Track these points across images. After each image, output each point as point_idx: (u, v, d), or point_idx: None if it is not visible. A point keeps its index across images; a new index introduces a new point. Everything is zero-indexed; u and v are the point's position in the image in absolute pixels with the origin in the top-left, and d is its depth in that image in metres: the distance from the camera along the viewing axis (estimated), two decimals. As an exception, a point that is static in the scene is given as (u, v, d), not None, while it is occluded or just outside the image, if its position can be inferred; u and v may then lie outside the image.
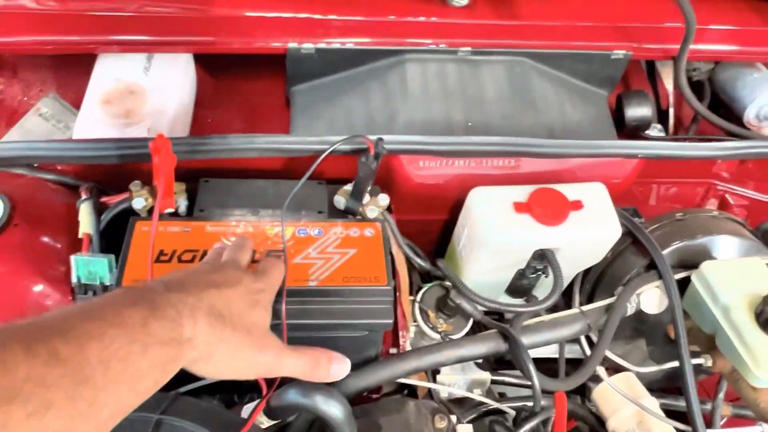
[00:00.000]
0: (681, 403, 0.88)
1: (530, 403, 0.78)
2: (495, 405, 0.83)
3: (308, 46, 0.88)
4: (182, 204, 0.77)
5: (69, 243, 0.75)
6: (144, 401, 0.57)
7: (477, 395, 0.83)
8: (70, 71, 1.03)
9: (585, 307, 0.81)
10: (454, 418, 0.76)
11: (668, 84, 1.04)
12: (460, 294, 0.79)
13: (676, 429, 0.78)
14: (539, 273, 0.84)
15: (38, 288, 0.71)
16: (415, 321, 0.84)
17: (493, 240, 0.77)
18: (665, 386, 0.95)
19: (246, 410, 0.68)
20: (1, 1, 0.83)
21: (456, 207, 0.86)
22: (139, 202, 0.75)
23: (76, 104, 0.89)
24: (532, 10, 0.93)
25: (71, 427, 0.40)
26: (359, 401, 0.78)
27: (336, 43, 0.88)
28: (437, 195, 0.87)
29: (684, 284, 0.81)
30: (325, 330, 0.71)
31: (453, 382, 0.85)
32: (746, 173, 1.03)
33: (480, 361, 0.92)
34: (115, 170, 0.78)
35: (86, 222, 0.74)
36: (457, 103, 0.89)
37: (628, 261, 0.85)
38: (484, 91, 0.90)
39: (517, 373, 0.87)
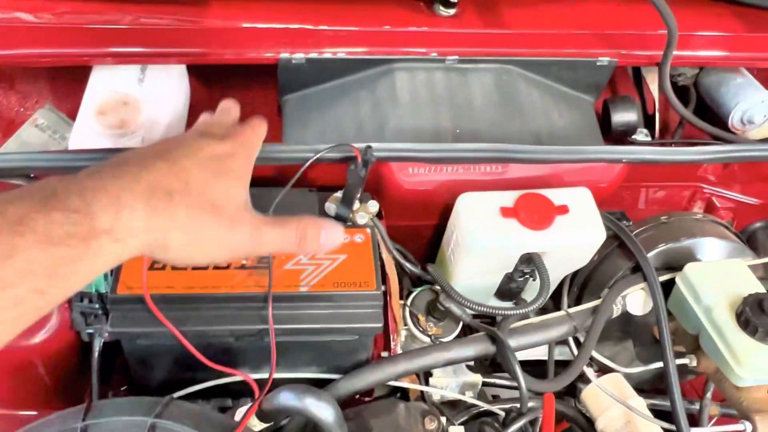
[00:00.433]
0: (668, 403, 0.89)
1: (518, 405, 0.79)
2: (486, 407, 0.85)
3: (299, 56, 0.89)
4: (176, 212, 0.78)
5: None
6: (132, 411, 0.58)
7: (468, 397, 0.84)
8: (67, 82, 1.05)
9: (571, 310, 0.83)
10: (444, 419, 0.77)
11: (654, 89, 1.06)
12: (449, 298, 0.80)
13: (663, 429, 0.80)
14: (527, 276, 0.86)
15: (35, 296, 0.72)
16: (405, 325, 0.85)
17: (481, 244, 0.78)
18: (654, 387, 0.96)
19: (239, 413, 0.70)
20: (-3, 15, 0.85)
21: (445, 212, 0.87)
22: (133, 211, 0.76)
23: (73, 115, 0.91)
24: (519, 18, 0.95)
25: None
26: (351, 404, 0.80)
27: (326, 53, 0.90)
28: (427, 201, 0.89)
29: (669, 286, 0.83)
30: (315, 335, 0.73)
31: (445, 385, 0.86)
32: (732, 176, 1.05)
33: (472, 364, 0.93)
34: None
35: (82, 231, 0.75)
36: (446, 110, 0.91)
37: (614, 264, 0.87)
38: (471, 99, 0.92)
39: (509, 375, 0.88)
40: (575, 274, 0.92)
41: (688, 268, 0.79)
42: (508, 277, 0.86)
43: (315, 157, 0.76)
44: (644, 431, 0.80)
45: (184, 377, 0.76)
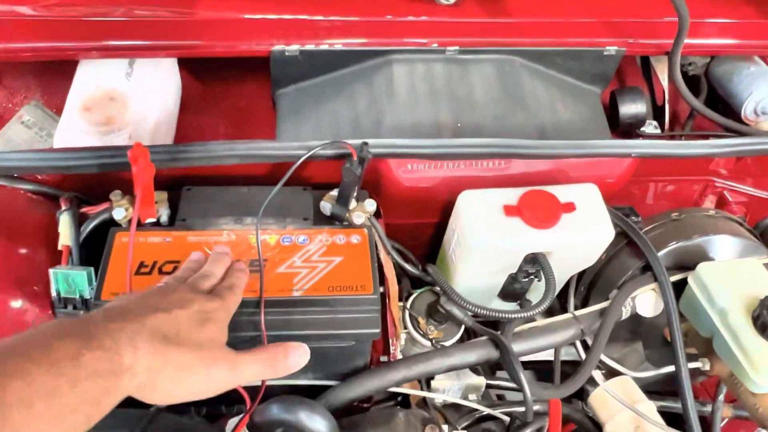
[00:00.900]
0: (680, 405, 0.86)
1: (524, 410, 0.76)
2: (488, 411, 0.82)
3: (293, 48, 0.86)
4: (164, 213, 0.75)
5: (48, 255, 0.73)
6: (117, 425, 0.57)
7: (472, 402, 0.81)
8: (55, 77, 1.02)
9: (578, 312, 0.80)
10: (446, 428, 0.74)
11: (663, 80, 1.02)
12: (450, 300, 0.77)
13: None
14: (532, 277, 0.83)
15: (16, 303, 0.69)
16: (405, 328, 0.82)
17: (483, 244, 0.75)
18: (664, 389, 0.93)
19: (230, 425, 0.67)
20: (-21, 9, 0.82)
21: (446, 210, 0.84)
22: (119, 212, 0.73)
23: (61, 111, 0.87)
24: (522, 6, 0.91)
25: None
26: (349, 410, 0.77)
27: (321, 44, 0.87)
28: (427, 198, 0.85)
29: (681, 286, 0.79)
30: (310, 341, 0.69)
31: (447, 388, 0.83)
32: (744, 169, 1.01)
33: (475, 364, 0.90)
34: (96, 179, 0.76)
35: (66, 234, 0.73)
36: (446, 104, 0.87)
37: (623, 263, 0.84)
38: (473, 92, 0.88)
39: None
40: (582, 274, 0.89)
41: (701, 267, 0.76)
42: (512, 278, 0.83)
43: (307, 155, 0.73)
44: (653, 433, 0.77)
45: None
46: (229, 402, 0.78)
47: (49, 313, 0.70)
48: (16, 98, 1.05)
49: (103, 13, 0.84)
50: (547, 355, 0.92)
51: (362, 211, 0.77)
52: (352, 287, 0.70)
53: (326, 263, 0.72)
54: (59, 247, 0.72)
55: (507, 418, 0.81)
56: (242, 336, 0.68)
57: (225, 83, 1.02)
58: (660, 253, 0.80)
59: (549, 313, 0.83)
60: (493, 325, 0.82)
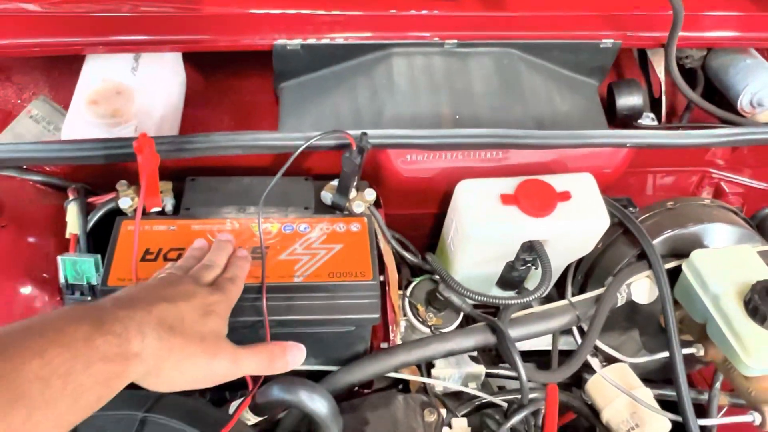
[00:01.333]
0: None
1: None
2: (488, 398, 0.83)
3: (295, 42, 0.88)
4: (169, 203, 0.77)
5: (57, 243, 0.75)
6: (123, 405, 0.60)
7: (471, 389, 0.82)
8: (62, 73, 1.04)
9: (574, 299, 0.81)
10: (444, 411, 0.76)
11: (660, 72, 1.03)
12: (448, 287, 0.79)
13: (670, 420, 0.78)
14: (529, 265, 0.84)
15: (26, 289, 0.71)
16: (405, 315, 0.84)
17: (480, 232, 0.76)
18: (661, 376, 0.94)
19: (233, 407, 0.68)
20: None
21: (445, 200, 0.86)
22: (125, 202, 0.75)
23: (68, 105, 0.90)
24: (520, 0, 0.92)
25: None
26: (350, 397, 0.78)
27: (323, 38, 0.88)
28: (426, 188, 0.87)
29: (675, 273, 0.80)
30: (311, 326, 0.71)
31: (447, 376, 0.85)
32: (741, 160, 1.02)
33: (475, 354, 0.92)
34: (103, 171, 0.78)
35: (73, 222, 0.74)
36: (445, 96, 0.89)
37: (619, 251, 0.85)
38: (471, 84, 0.90)
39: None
40: (579, 262, 0.90)
41: (695, 254, 0.77)
42: (510, 266, 0.84)
43: (306, 145, 0.74)
44: (650, 422, 0.78)
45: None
46: (232, 388, 0.80)
47: (57, 299, 0.72)
48: (25, 95, 1.07)
49: (109, 9, 0.86)
50: (546, 345, 0.94)
51: (362, 200, 0.79)
52: (352, 273, 0.72)
53: (327, 250, 0.74)
54: (67, 236, 0.74)
55: (506, 405, 0.83)
56: (244, 321, 0.69)
57: (228, 78, 1.04)
58: (655, 241, 0.82)
59: (547, 301, 0.85)
60: (492, 313, 0.84)
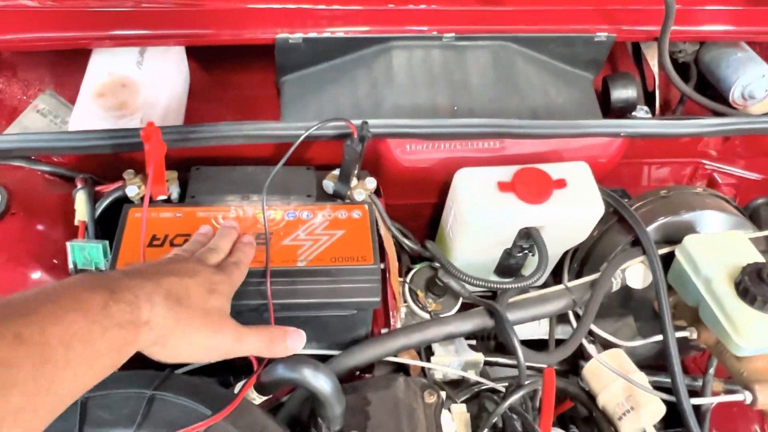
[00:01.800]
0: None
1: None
2: (488, 384, 0.85)
3: (296, 36, 0.90)
4: (174, 191, 0.79)
5: (65, 231, 0.77)
6: (132, 384, 0.62)
7: (469, 374, 0.84)
8: (68, 68, 1.06)
9: (570, 283, 0.83)
10: (443, 394, 0.78)
11: (654, 66, 1.05)
12: (447, 273, 0.81)
13: (663, 400, 0.79)
14: (526, 252, 0.86)
15: (36, 274, 0.73)
16: (405, 301, 0.86)
17: (478, 219, 0.79)
18: (657, 363, 0.96)
19: (238, 387, 0.70)
20: (-3, 2, 0.86)
21: (444, 190, 0.88)
22: (132, 190, 0.77)
23: (73, 101, 0.92)
24: (516, -5, 0.95)
25: (32, 404, 0.42)
26: (352, 381, 0.80)
27: (324, 32, 0.90)
28: (426, 178, 0.89)
29: (669, 260, 0.83)
30: (314, 309, 0.73)
31: (447, 364, 0.86)
32: (733, 151, 1.05)
33: (474, 343, 0.94)
34: (109, 161, 0.80)
35: (82, 210, 0.76)
36: (443, 88, 0.91)
37: (614, 238, 0.87)
38: (469, 76, 0.92)
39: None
40: (576, 250, 0.92)
41: (687, 240, 0.79)
42: (507, 253, 0.86)
43: (307, 133, 0.77)
44: (645, 403, 0.80)
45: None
46: (236, 372, 0.82)
47: (66, 284, 0.73)
48: (31, 90, 1.09)
49: (113, 5, 0.88)
50: (544, 334, 0.95)
51: (363, 188, 0.81)
52: (354, 258, 0.74)
53: (329, 236, 0.76)
54: (76, 223, 0.76)
55: (504, 390, 0.85)
56: (249, 304, 0.71)
57: (231, 72, 1.07)
58: (649, 228, 0.84)
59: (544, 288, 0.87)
60: (491, 299, 0.85)
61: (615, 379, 0.82)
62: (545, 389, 0.76)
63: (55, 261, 0.74)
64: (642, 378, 0.82)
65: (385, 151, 0.85)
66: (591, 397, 0.86)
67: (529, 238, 0.82)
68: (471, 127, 0.83)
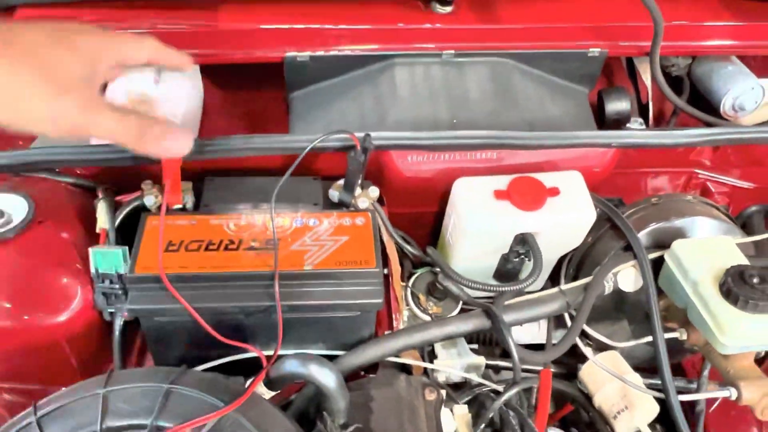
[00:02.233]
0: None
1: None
2: (489, 385, 0.88)
3: (304, 54, 0.95)
4: (189, 200, 0.84)
5: (87, 238, 0.82)
6: (150, 379, 0.64)
7: (472, 375, 0.88)
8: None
9: (564, 286, 0.87)
10: (444, 392, 0.81)
11: (647, 79, 1.09)
12: (446, 277, 0.85)
13: (655, 398, 0.83)
14: (522, 257, 0.90)
15: (61, 278, 0.78)
16: (407, 305, 0.90)
17: (476, 225, 0.83)
18: (652, 366, 0.99)
19: (248, 382, 0.74)
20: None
21: (444, 199, 0.92)
22: (149, 200, 0.82)
23: (94, 116, 0.97)
24: (512, 13, 0.99)
25: None
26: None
27: (330, 50, 0.95)
28: (427, 188, 0.93)
29: (659, 264, 0.86)
30: (319, 311, 0.78)
31: (450, 366, 0.90)
32: (726, 160, 1.08)
33: (476, 347, 0.97)
34: (128, 173, 0.85)
35: (103, 218, 0.82)
36: (443, 102, 0.95)
37: (607, 244, 0.91)
38: (468, 91, 0.97)
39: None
40: (571, 256, 0.96)
41: (676, 244, 0.83)
42: (505, 259, 0.91)
43: (313, 144, 0.81)
44: (639, 403, 0.83)
45: (199, 355, 0.81)
46: (247, 372, 0.86)
47: (89, 287, 0.78)
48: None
49: (132, 26, 0.93)
50: (543, 339, 0.99)
51: (366, 197, 0.86)
52: (357, 262, 0.78)
53: (334, 242, 0.80)
54: (97, 230, 0.81)
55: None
56: (259, 306, 0.76)
57: (242, 89, 1.12)
58: (640, 234, 0.87)
59: (542, 293, 0.90)
60: (490, 303, 0.89)
61: (610, 379, 0.86)
62: (541, 390, 0.80)
63: (78, 266, 0.79)
64: (636, 378, 0.86)
65: (387, 162, 0.90)
66: (588, 398, 0.90)
67: (524, 243, 0.86)
68: (470, 138, 0.87)
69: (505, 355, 0.95)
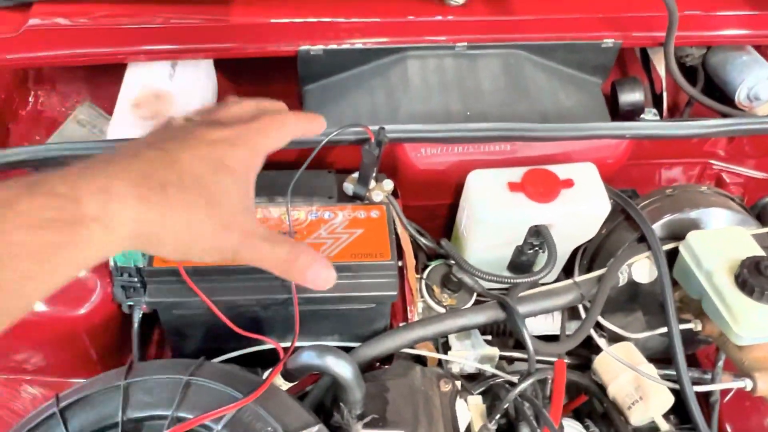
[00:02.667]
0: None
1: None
2: (504, 376, 0.89)
3: (317, 47, 0.95)
4: (205, 194, 0.85)
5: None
6: (170, 371, 0.65)
7: (486, 366, 0.88)
8: (103, 82, 1.13)
9: (579, 278, 0.87)
10: (459, 383, 0.82)
11: (661, 70, 1.09)
12: (460, 269, 0.85)
13: (669, 389, 0.83)
14: (536, 249, 0.90)
15: (80, 271, 0.79)
16: (422, 297, 0.90)
17: (490, 218, 0.83)
18: (667, 357, 0.99)
19: (266, 374, 0.75)
20: (38, 20, 0.93)
21: (458, 191, 0.92)
22: (166, 194, 0.83)
23: (109, 111, 0.98)
24: (525, 5, 0.99)
25: None
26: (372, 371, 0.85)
27: (343, 43, 0.96)
28: (440, 180, 0.93)
29: (674, 256, 0.86)
30: (335, 303, 0.79)
31: (463, 358, 0.91)
32: (740, 151, 1.08)
33: (490, 338, 0.98)
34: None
35: (121, 212, 0.82)
36: (456, 94, 0.96)
37: (621, 236, 0.91)
38: (480, 83, 0.97)
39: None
40: (586, 248, 0.96)
41: (691, 235, 0.83)
42: (519, 250, 0.91)
43: (327, 139, 0.82)
44: (653, 394, 0.84)
45: (217, 347, 0.82)
46: (264, 364, 0.87)
47: (107, 281, 0.80)
48: (68, 102, 1.16)
49: (145, 21, 0.94)
50: (557, 330, 0.99)
51: (381, 190, 0.86)
52: (372, 254, 0.79)
53: (349, 234, 0.81)
54: (116, 225, 0.82)
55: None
56: (276, 298, 0.77)
57: (256, 83, 1.12)
58: (655, 225, 0.87)
59: (556, 284, 0.91)
60: (504, 294, 0.90)
61: (624, 370, 0.86)
62: (556, 380, 0.80)
63: (97, 259, 0.80)
64: (651, 369, 0.86)
65: (401, 155, 0.90)
66: (602, 389, 0.90)
67: (539, 235, 0.86)
68: (483, 131, 0.87)
69: (519, 346, 0.96)
